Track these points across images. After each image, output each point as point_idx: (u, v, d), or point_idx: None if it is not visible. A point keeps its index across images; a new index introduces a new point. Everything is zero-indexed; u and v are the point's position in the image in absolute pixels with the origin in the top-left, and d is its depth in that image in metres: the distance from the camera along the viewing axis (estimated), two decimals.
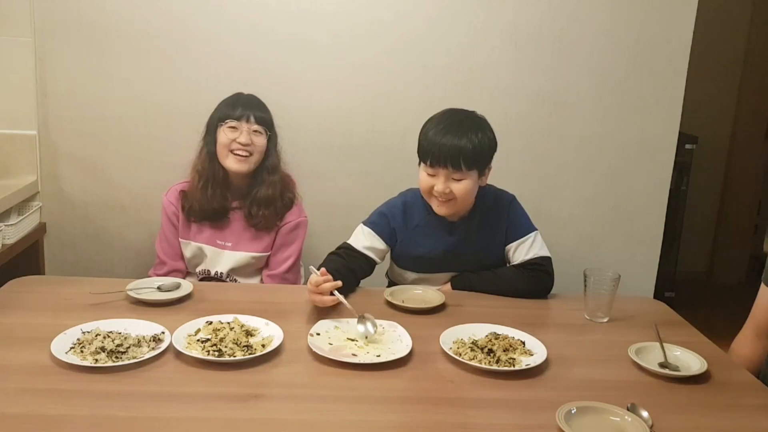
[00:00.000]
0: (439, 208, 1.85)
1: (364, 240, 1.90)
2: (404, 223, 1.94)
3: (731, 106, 4.35)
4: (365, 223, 1.94)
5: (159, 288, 1.74)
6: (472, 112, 1.87)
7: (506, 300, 1.86)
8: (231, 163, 2.02)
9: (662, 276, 2.76)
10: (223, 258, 2.10)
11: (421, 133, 1.85)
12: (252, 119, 2.02)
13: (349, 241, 1.91)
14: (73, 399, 1.23)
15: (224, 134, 2.01)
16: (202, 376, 1.33)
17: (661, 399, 1.34)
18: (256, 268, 2.14)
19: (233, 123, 2.00)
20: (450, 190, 1.80)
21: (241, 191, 2.09)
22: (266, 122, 2.06)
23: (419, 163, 1.86)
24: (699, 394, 1.37)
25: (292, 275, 2.13)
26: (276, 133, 2.11)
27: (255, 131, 2.02)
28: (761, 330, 1.65)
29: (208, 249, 2.10)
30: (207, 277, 2.12)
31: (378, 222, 1.93)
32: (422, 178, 1.85)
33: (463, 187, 1.80)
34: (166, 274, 2.05)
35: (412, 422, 1.22)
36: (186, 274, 2.14)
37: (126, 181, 2.46)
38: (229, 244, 2.09)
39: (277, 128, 2.12)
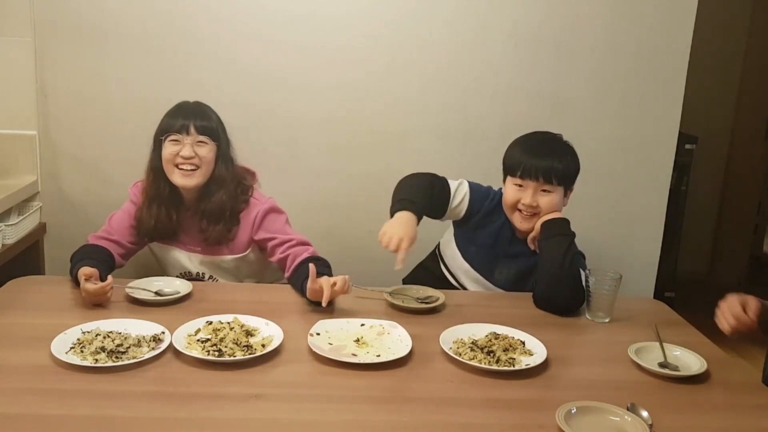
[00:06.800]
0: (522, 223, 1.85)
1: (459, 194, 1.93)
2: (488, 210, 1.95)
3: (731, 106, 4.34)
4: (470, 182, 1.97)
5: (159, 289, 1.74)
6: (559, 135, 1.91)
7: (506, 300, 1.86)
8: (177, 179, 1.88)
9: (662, 276, 2.76)
10: (196, 260, 2.00)
11: (507, 151, 1.88)
12: (192, 130, 1.87)
13: (450, 182, 1.95)
14: (73, 399, 1.23)
15: (167, 148, 1.87)
16: (202, 376, 1.33)
17: (661, 399, 1.34)
18: (241, 272, 2.03)
19: (175, 136, 1.87)
20: (537, 204, 1.81)
21: (191, 205, 1.96)
22: (210, 131, 1.90)
23: (503, 179, 1.88)
24: (699, 394, 1.37)
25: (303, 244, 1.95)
26: (227, 139, 1.96)
27: (199, 142, 1.87)
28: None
29: (179, 252, 2.00)
30: (190, 279, 1.98)
31: (477, 191, 1.96)
32: (509, 191, 1.85)
33: (551, 200, 1.81)
34: (109, 241, 1.94)
35: (412, 422, 1.22)
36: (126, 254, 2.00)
37: (126, 181, 2.44)
38: (199, 249, 1.99)
39: (230, 135, 1.97)
